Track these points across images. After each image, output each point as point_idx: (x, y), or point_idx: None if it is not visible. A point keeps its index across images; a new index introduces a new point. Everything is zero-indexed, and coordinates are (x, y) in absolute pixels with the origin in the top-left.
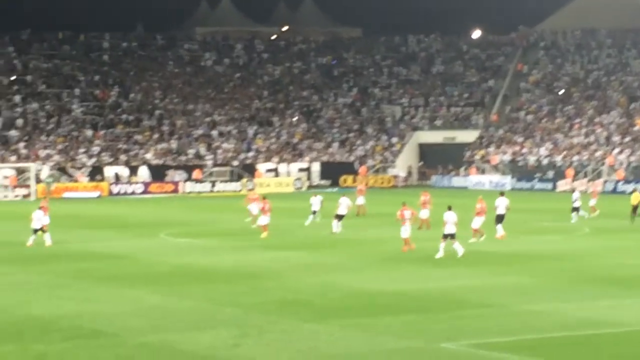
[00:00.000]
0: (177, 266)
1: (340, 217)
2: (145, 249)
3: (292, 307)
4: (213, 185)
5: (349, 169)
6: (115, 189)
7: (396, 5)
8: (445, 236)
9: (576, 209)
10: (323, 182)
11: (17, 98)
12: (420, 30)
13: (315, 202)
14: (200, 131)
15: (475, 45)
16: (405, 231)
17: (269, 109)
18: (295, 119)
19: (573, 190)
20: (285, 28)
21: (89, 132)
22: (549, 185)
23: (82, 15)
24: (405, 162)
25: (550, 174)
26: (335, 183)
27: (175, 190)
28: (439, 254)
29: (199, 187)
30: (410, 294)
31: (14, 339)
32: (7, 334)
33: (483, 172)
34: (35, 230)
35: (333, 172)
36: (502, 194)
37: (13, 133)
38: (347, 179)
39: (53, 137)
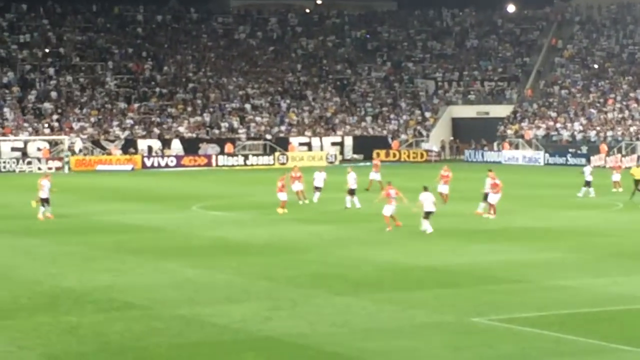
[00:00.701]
0: (210, 239)
1: (352, 192)
2: (178, 222)
3: (325, 280)
4: (246, 159)
5: (382, 143)
6: (149, 162)
7: None
8: (427, 214)
9: (588, 183)
10: (356, 156)
11: (51, 70)
12: (455, 5)
13: (319, 178)
14: (233, 105)
15: (509, 20)
16: (388, 209)
17: (303, 83)
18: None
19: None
20: (319, 1)
21: (122, 105)
22: (583, 161)
23: None
24: (438, 137)
25: (584, 149)
26: (368, 157)
27: (208, 164)
28: (429, 230)
29: (231, 160)
30: (441, 268)
31: (47, 310)
32: (40, 306)
33: (516, 147)
34: (43, 200)
35: (366, 146)
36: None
37: (47, 105)
38: (380, 153)
39: (87, 109)
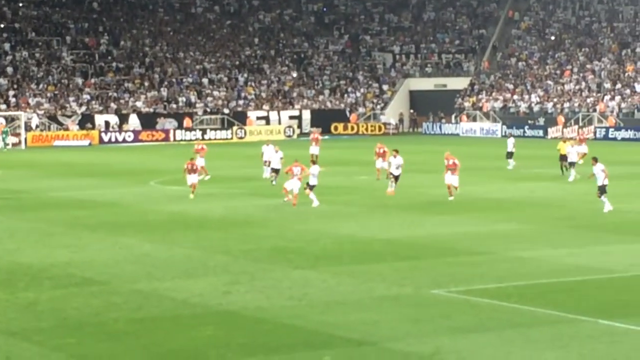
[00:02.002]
0: (168, 214)
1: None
2: (136, 197)
3: (284, 254)
4: (204, 133)
5: (340, 116)
6: (106, 137)
7: None
8: (310, 187)
9: (572, 164)
10: (314, 129)
11: (6, 46)
12: None
13: (275, 158)
14: (190, 79)
15: None
16: (291, 184)
17: (260, 57)
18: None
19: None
20: None
21: (79, 80)
22: (540, 132)
23: None
24: (396, 110)
25: (542, 120)
26: (326, 130)
27: (166, 139)
28: (315, 204)
29: (189, 135)
30: (401, 241)
31: (4, 286)
32: None
33: (474, 119)
34: None
35: (324, 120)
36: (396, 151)
37: (2, 81)
38: (338, 127)
39: (43, 85)
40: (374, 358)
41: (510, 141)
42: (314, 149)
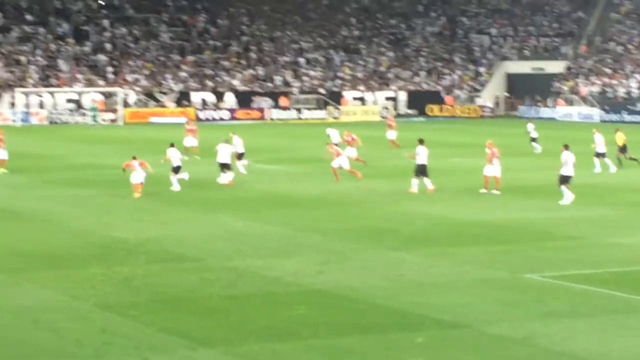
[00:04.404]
0: (262, 192)
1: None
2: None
3: (378, 235)
4: (299, 113)
5: (435, 98)
6: (202, 114)
7: None
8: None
9: (601, 154)
10: (410, 111)
11: (105, 23)
12: None
13: (238, 143)
14: (287, 58)
15: None
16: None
17: (357, 37)
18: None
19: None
20: None
21: (176, 58)
22: (638, 118)
23: None
24: (492, 93)
25: None
26: (421, 112)
27: (262, 117)
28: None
29: (285, 114)
30: (495, 224)
31: (100, 261)
32: (93, 257)
33: (571, 103)
34: None
35: (420, 101)
36: (421, 141)
37: (101, 58)
38: (433, 109)
39: (141, 62)
40: (466, 341)
41: (531, 126)
42: (391, 134)
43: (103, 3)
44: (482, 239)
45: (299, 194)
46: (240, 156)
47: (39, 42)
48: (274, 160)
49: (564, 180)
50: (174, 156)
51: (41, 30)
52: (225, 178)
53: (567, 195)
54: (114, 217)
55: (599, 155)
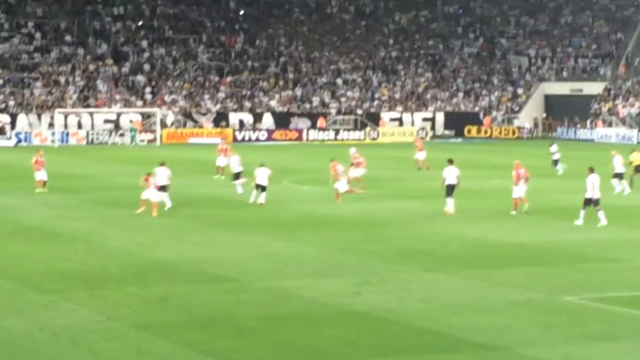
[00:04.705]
0: (300, 213)
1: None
2: (268, 196)
3: (414, 256)
4: (337, 134)
5: (473, 119)
6: (240, 135)
7: None
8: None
9: (618, 175)
10: (447, 132)
11: (144, 43)
12: None
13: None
14: (324, 79)
15: None
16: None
17: (394, 58)
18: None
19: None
20: None
21: (214, 78)
22: None
23: None
24: (530, 114)
25: None
26: (459, 133)
27: (299, 138)
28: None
29: (322, 135)
30: (531, 245)
31: (136, 280)
32: (130, 276)
33: (610, 124)
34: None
35: (457, 123)
36: (450, 161)
37: (140, 78)
38: (471, 130)
39: (179, 82)
40: None
41: (554, 148)
42: (420, 154)
43: (141, 23)
44: (518, 261)
45: (335, 214)
46: (237, 176)
47: (77, 63)
48: (311, 181)
49: (588, 202)
50: (161, 175)
51: (80, 51)
52: (262, 198)
53: (602, 220)
54: (151, 237)
55: (617, 175)
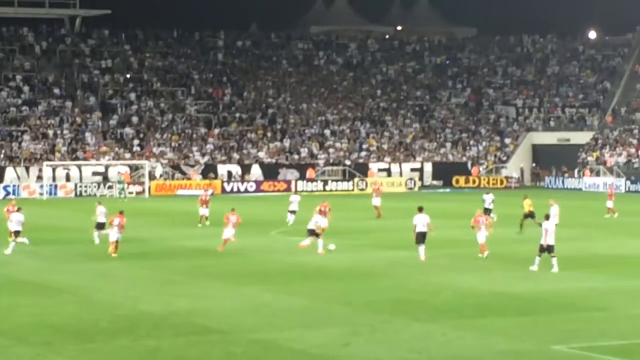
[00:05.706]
0: (289, 264)
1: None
2: (257, 247)
3: (404, 306)
4: (325, 184)
5: (461, 169)
6: (228, 187)
7: (511, 5)
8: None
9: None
10: (435, 182)
11: (132, 96)
12: (536, 31)
13: (294, 201)
14: (313, 130)
15: (591, 46)
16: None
17: (382, 109)
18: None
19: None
20: (399, 27)
21: (202, 130)
22: None
23: (197, 14)
24: (518, 163)
25: None
26: (447, 183)
27: (288, 189)
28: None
29: (311, 186)
30: (521, 295)
31: (126, 333)
32: (120, 329)
33: (597, 174)
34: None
35: (445, 173)
36: (420, 209)
37: (128, 130)
38: (459, 180)
39: (167, 134)
40: None
41: (488, 198)
42: (376, 201)
43: (129, 76)
44: (508, 310)
45: (325, 265)
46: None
47: (65, 116)
48: (300, 232)
49: (541, 249)
50: (100, 213)
51: (68, 103)
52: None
53: (554, 266)
54: (140, 289)
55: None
